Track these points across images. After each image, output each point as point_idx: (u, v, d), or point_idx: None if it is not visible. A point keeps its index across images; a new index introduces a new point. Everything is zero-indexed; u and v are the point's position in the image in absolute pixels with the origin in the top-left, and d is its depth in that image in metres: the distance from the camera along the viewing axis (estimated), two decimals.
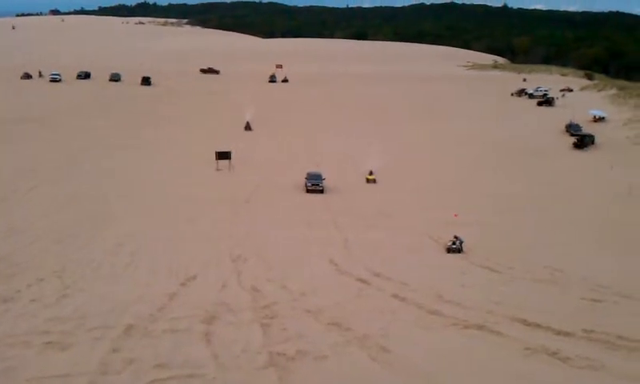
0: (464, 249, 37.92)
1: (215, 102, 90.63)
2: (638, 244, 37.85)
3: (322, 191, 53.30)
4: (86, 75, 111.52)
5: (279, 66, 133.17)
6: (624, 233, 40.12)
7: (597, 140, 67.75)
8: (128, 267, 32.26)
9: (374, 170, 45.88)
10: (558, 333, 18.47)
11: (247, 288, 27.54)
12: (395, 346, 17.31)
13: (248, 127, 56.63)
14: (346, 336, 18.82)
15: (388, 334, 18.84)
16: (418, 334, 19.49)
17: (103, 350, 16.75)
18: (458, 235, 38.57)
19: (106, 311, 22.29)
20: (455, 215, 43.86)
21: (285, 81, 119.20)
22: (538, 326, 19.48)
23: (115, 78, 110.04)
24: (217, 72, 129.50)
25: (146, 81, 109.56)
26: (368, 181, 46.75)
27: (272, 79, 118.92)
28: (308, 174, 54.85)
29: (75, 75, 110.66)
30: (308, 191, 53.39)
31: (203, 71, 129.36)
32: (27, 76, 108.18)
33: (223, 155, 58.40)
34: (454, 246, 38.37)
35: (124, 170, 56.57)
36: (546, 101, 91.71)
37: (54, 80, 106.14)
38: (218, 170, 58.10)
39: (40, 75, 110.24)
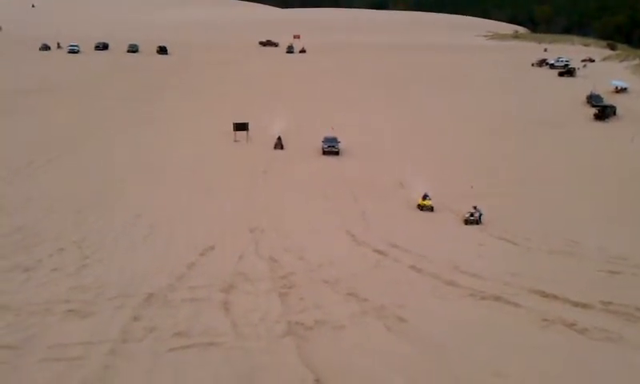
0: (482, 221, 37.84)
1: (231, 73, 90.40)
2: None
3: (337, 153, 55.57)
4: (104, 46, 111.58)
5: (297, 37, 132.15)
6: (630, 203, 39.78)
7: (618, 111, 66.81)
8: (147, 238, 32.57)
9: (429, 195, 41.04)
10: (576, 304, 18.42)
11: (265, 258, 27.71)
12: (411, 317, 17.38)
13: (279, 145, 55.64)
14: (363, 306, 18.92)
15: (404, 304, 18.90)
16: (435, 305, 19.55)
17: (124, 319, 16.99)
18: (477, 206, 38.46)
19: (125, 281, 22.58)
20: (472, 187, 43.64)
21: (302, 51, 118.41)
22: (556, 297, 19.44)
23: (133, 49, 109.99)
24: (276, 45, 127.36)
25: (162, 50, 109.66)
26: (422, 207, 41.42)
27: (289, 50, 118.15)
28: (325, 138, 56.85)
29: (93, 46, 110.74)
30: (324, 153, 55.61)
31: (262, 44, 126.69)
32: (45, 47, 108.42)
33: (241, 126, 58.38)
34: (471, 218, 38.27)
35: (141, 142, 56.78)
36: (568, 71, 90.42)
37: (72, 51, 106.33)
38: (235, 141, 58.13)
39: (58, 47, 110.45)
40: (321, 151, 56.18)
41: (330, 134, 57.68)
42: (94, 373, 12.96)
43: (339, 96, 77.66)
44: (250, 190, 44.40)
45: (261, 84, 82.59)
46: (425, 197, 40.39)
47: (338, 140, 56.56)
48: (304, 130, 61.77)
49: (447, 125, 64.41)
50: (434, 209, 40.14)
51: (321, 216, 36.33)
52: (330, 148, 56.01)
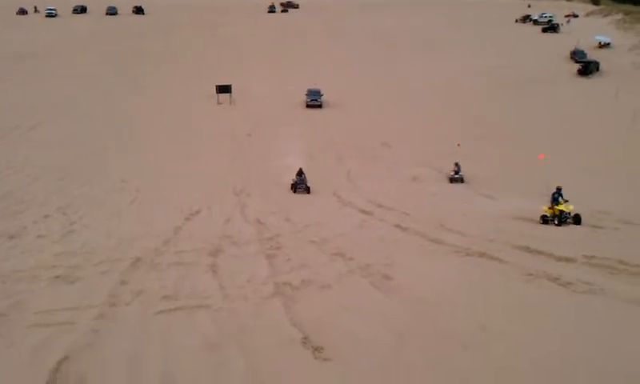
0: (465, 178, 38.03)
1: (212, 35, 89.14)
2: (637, 170, 37.84)
3: (320, 106, 57.39)
4: (82, 9, 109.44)
5: None
6: (626, 160, 40.07)
7: (602, 66, 66.88)
8: (132, 203, 32.49)
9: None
10: (559, 259, 18.66)
11: (251, 221, 27.75)
12: (397, 274, 17.53)
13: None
14: (350, 265, 19.05)
15: (390, 262, 19.04)
16: (420, 262, 19.70)
17: (111, 283, 17.01)
18: (458, 163, 38.63)
19: (112, 246, 22.56)
20: (458, 145, 43.74)
21: (284, 11, 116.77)
22: (540, 252, 19.67)
23: (111, 11, 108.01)
24: (296, 6, 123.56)
25: (138, 10, 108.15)
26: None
27: (271, 9, 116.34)
28: (308, 91, 58.47)
29: (71, 9, 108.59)
30: (308, 106, 57.34)
31: (283, 5, 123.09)
32: (22, 11, 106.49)
33: (223, 89, 57.94)
34: (456, 176, 38.47)
35: (123, 108, 56.25)
36: (551, 27, 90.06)
37: (49, 15, 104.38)
38: (218, 103, 57.73)
39: (35, 10, 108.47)
40: (304, 105, 57.59)
41: (314, 87, 58.92)
42: (83, 337, 13.00)
43: (324, 55, 76.99)
44: (235, 154, 44.28)
45: (243, 45, 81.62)
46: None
47: (321, 93, 58.04)
48: (288, 88, 61.50)
49: (432, 84, 64.17)
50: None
51: (306, 177, 36.27)
52: (313, 101, 57.65)
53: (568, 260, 18.46)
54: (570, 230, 25.52)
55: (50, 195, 32.89)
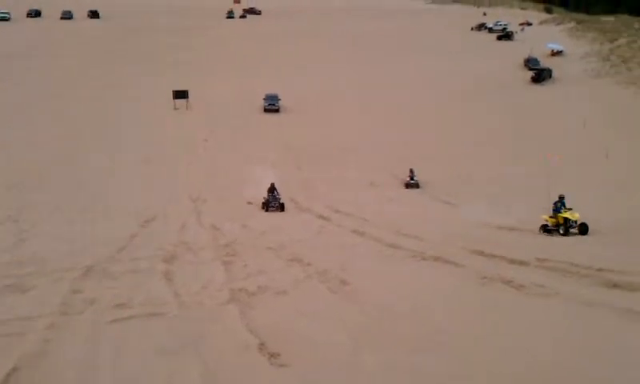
0: (420, 184, 38.46)
1: (168, 40, 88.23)
2: (591, 176, 38.73)
3: (277, 110, 57.73)
4: (36, 13, 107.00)
5: (237, 1, 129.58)
6: (576, 165, 40.97)
7: (554, 74, 68.39)
8: (86, 210, 31.96)
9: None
10: (513, 262, 18.95)
11: (207, 227, 27.57)
12: (355, 279, 17.57)
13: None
14: (307, 271, 19.03)
15: (348, 268, 19.08)
16: (377, 267, 19.82)
17: (63, 292, 16.63)
18: (413, 169, 39.05)
19: (65, 253, 22.12)
20: (415, 150, 44.21)
21: (243, 16, 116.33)
22: (494, 256, 19.97)
23: (67, 15, 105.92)
24: (258, 13, 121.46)
25: (94, 14, 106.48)
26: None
27: (229, 15, 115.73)
28: (266, 95, 58.71)
29: (25, 13, 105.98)
30: (265, 111, 57.54)
31: (244, 10, 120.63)
32: None
33: (180, 94, 57.50)
34: (412, 181, 38.87)
35: (77, 113, 55.27)
36: (506, 35, 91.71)
37: (2, 18, 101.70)
38: (175, 109, 57.22)
39: None
40: (262, 110, 57.83)
41: (271, 92, 59.04)
42: (35, 347, 12.66)
43: (283, 60, 76.95)
44: (191, 159, 43.94)
45: (200, 50, 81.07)
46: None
47: (279, 98, 58.37)
48: (246, 94, 61.33)
49: (388, 91, 64.67)
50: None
51: (264, 183, 36.15)
52: (271, 106, 57.81)
53: (521, 263, 18.76)
54: (524, 232, 25.98)
55: (1, 203, 32.10)
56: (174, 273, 18.86)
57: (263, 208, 33.05)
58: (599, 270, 17.12)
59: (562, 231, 25.51)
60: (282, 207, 33.06)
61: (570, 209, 25.98)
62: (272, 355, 11.66)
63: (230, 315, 14.50)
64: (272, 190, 33.50)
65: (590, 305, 14.17)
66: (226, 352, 12.05)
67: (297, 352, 11.84)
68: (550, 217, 26.45)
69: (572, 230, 25.35)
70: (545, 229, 26.26)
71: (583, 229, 25.17)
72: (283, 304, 15.55)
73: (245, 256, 21.50)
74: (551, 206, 26.49)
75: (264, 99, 58.41)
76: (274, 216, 31.21)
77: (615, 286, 15.58)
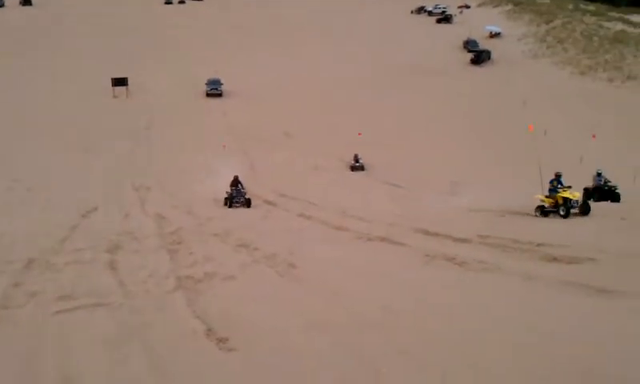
0: (366, 167, 38.77)
1: (107, 27, 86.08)
2: (530, 154, 39.73)
3: (220, 95, 57.85)
4: None
5: None
6: (513, 144, 41.97)
7: (493, 55, 69.68)
8: (25, 202, 31.08)
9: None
10: (456, 240, 19.35)
11: (151, 215, 27.18)
12: (302, 262, 17.62)
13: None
14: (254, 256, 18.99)
15: (295, 251, 19.13)
16: (324, 250, 19.93)
17: (4, 285, 16.11)
18: (358, 154, 39.35)
19: (4, 246, 21.45)
20: (359, 134, 44.47)
21: (182, 2, 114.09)
22: (438, 234, 20.34)
23: None
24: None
25: (26, 1, 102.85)
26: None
27: (167, 1, 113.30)
28: (208, 80, 58.79)
29: None
30: (208, 95, 57.73)
31: None
32: None
33: (119, 82, 56.35)
34: (357, 165, 39.15)
35: (15, 103, 53.49)
36: (445, 18, 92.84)
37: None
38: (114, 97, 56.00)
39: None
40: (204, 94, 58.01)
41: (214, 77, 59.04)
42: None
43: (225, 45, 76.08)
44: (132, 147, 43.15)
45: (140, 37, 79.44)
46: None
47: (222, 82, 58.37)
48: (187, 79, 60.48)
49: (331, 74, 64.75)
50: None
51: (208, 169, 35.87)
52: (213, 90, 57.94)
53: (464, 241, 19.17)
54: (466, 210, 26.48)
55: None
56: (119, 262, 18.53)
57: (226, 204, 30.70)
58: (539, 245, 17.64)
59: (562, 212, 23.65)
60: (248, 203, 30.45)
61: (569, 187, 24.39)
62: (220, 340, 11.59)
63: (177, 303, 14.35)
64: (235, 183, 31.04)
65: (529, 278, 14.58)
66: (172, 339, 11.92)
67: (245, 336, 11.81)
68: (547, 197, 24.76)
69: (572, 211, 23.67)
70: (542, 210, 24.67)
71: (585, 209, 23.68)
72: (231, 289, 15.47)
73: (191, 243, 21.30)
74: (548, 185, 24.81)
75: (206, 84, 58.10)
76: (221, 200, 30.89)
77: (555, 259, 16.08)
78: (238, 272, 17.04)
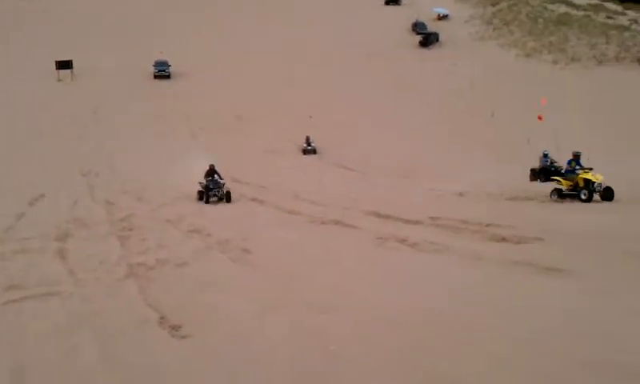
0: (318, 150, 38.80)
1: (47, 10, 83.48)
2: (479, 135, 40.44)
3: (168, 77, 57.05)
4: None
5: None
6: (462, 126, 42.69)
7: (441, 38, 70.30)
8: None
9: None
10: (407, 222, 19.64)
11: (101, 202, 26.70)
12: (256, 247, 17.65)
13: None
14: (207, 242, 18.93)
15: (249, 236, 19.12)
16: (278, 234, 19.98)
17: None
18: (310, 136, 39.33)
19: None
20: (310, 117, 44.42)
21: None
22: (390, 217, 20.59)
23: None
24: None
25: None
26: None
27: None
28: (155, 62, 57.76)
29: None
30: (155, 77, 56.73)
31: None
32: None
33: (64, 65, 54.73)
34: (309, 148, 39.13)
35: None
36: (393, 0, 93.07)
37: None
38: (59, 80, 54.53)
39: None
40: (152, 76, 56.86)
41: (161, 58, 58.14)
42: None
43: (171, 26, 74.65)
44: (80, 132, 42.12)
45: (82, 20, 77.36)
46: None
47: (169, 64, 57.53)
48: (134, 61, 59.29)
49: (280, 56, 64.25)
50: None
51: (159, 154, 35.37)
52: (161, 72, 57.03)
53: (415, 222, 19.47)
54: (417, 193, 26.83)
55: None
56: (68, 250, 18.24)
57: (200, 198, 26.49)
58: (488, 225, 18.04)
59: (584, 196, 21.47)
60: (227, 197, 26.17)
61: (591, 168, 21.89)
62: (173, 328, 11.56)
63: (129, 290, 14.23)
64: (211, 173, 26.98)
65: (479, 258, 14.93)
66: (124, 327, 11.84)
67: (199, 323, 11.80)
68: (565, 178, 22.47)
69: (597, 193, 21.52)
70: (559, 193, 22.43)
71: (608, 194, 21.27)
72: (184, 276, 15.41)
73: (142, 229, 21.08)
74: (566, 166, 22.80)
75: (153, 66, 57.03)
76: (172, 186, 30.43)
77: (503, 239, 16.48)
78: (191, 258, 16.97)
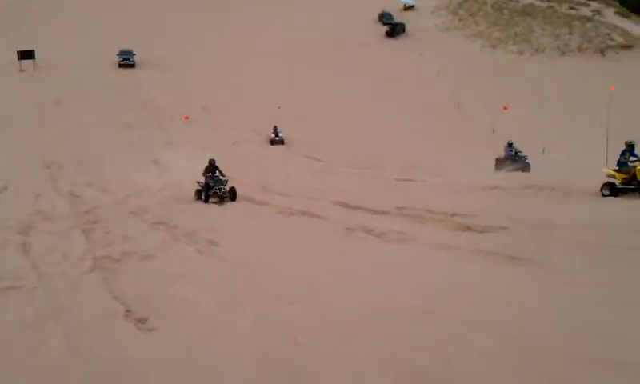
0: (286, 141, 38.77)
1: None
2: (443, 125, 40.84)
3: (133, 65, 57.12)
4: None
5: None
6: (429, 116, 43.02)
7: (407, 28, 70.59)
8: None
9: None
10: (374, 212, 19.75)
11: (65, 194, 26.32)
12: (223, 239, 17.58)
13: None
14: (173, 234, 18.80)
15: (216, 228, 19.05)
16: (246, 225, 19.95)
17: None
18: (277, 126, 39.27)
19: None
20: (278, 107, 44.28)
21: None
22: (357, 207, 20.68)
23: None
24: None
25: None
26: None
27: None
28: (120, 51, 57.73)
29: None
30: (120, 66, 56.91)
31: None
32: None
33: (26, 55, 53.69)
34: (276, 138, 39.07)
35: None
36: None
37: None
38: (21, 71, 53.46)
39: None
40: (117, 65, 56.95)
41: (126, 47, 57.99)
42: None
43: (135, 17, 73.65)
44: (43, 124, 41.44)
45: (48, 9, 75.90)
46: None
47: (134, 53, 57.48)
48: (98, 51, 58.44)
49: (245, 46, 63.83)
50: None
51: (124, 146, 34.93)
52: (126, 61, 57.02)
53: (382, 213, 19.58)
54: (385, 184, 26.95)
55: None
56: (31, 244, 17.93)
57: (199, 197, 24.22)
58: (453, 214, 18.24)
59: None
60: (232, 194, 23.90)
61: None
62: (139, 320, 11.47)
63: (94, 284, 14.06)
64: (212, 169, 24.36)
65: (445, 248, 15.09)
66: (90, 321, 11.70)
67: (166, 315, 11.72)
68: (617, 171, 20.01)
69: None
70: (611, 188, 19.63)
71: None
72: (150, 268, 15.28)
73: (107, 222, 20.82)
74: (619, 157, 20.37)
75: (118, 55, 56.55)
76: (137, 178, 30.05)
77: (469, 229, 16.67)
78: (157, 251, 16.83)
